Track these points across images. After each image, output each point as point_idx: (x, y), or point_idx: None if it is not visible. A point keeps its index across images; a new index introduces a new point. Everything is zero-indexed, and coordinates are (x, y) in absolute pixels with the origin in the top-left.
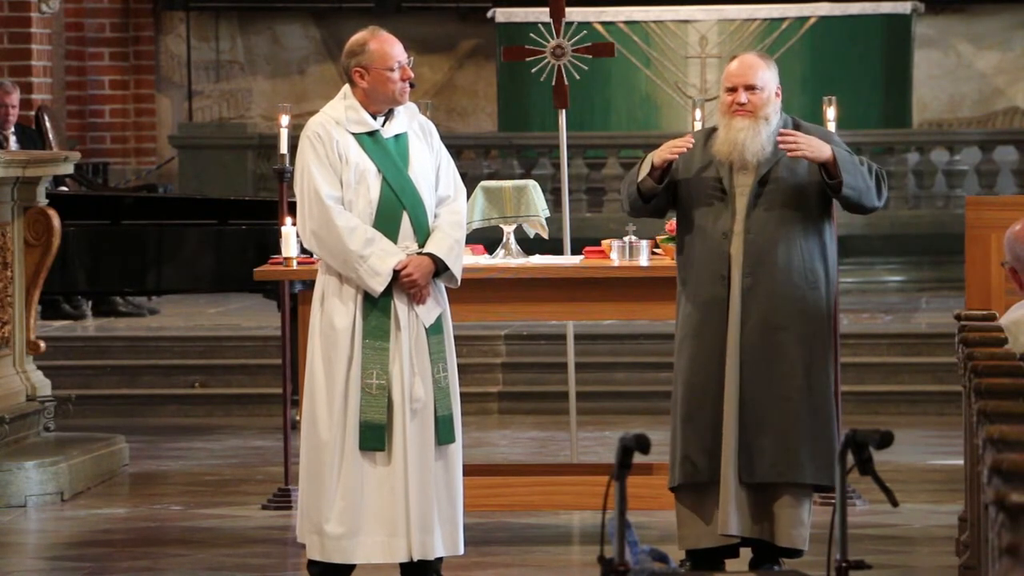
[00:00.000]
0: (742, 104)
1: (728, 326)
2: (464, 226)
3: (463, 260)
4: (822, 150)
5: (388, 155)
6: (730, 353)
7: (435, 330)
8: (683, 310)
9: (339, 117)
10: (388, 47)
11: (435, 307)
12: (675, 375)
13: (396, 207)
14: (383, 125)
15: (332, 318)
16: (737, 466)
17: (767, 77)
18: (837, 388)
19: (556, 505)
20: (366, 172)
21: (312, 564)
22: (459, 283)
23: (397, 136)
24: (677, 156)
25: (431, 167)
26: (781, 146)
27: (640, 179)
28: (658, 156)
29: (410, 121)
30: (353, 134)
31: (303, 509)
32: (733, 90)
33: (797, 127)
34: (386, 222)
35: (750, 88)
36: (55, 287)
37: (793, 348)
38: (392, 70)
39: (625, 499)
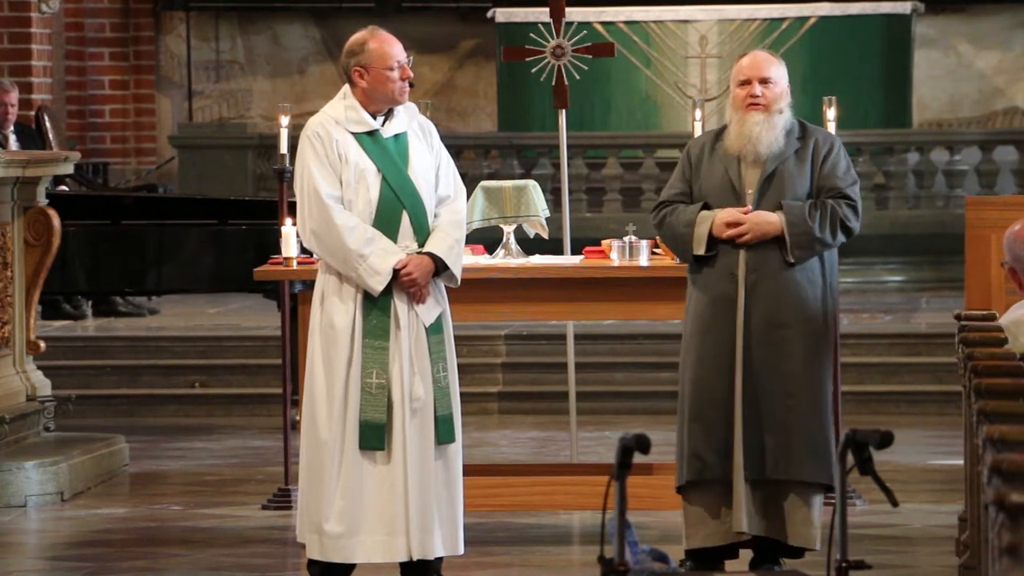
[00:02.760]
0: (756, 96)
1: (736, 323)
2: (464, 226)
3: (463, 260)
4: (768, 230)
5: (388, 154)
6: (738, 351)
7: (435, 330)
8: (692, 308)
9: (339, 116)
10: (387, 47)
11: (435, 306)
12: (681, 373)
13: (396, 206)
14: (383, 125)
15: (332, 317)
16: (744, 463)
17: (779, 73)
18: (837, 388)
19: (556, 505)
20: (366, 171)
21: (312, 564)
22: (459, 282)
23: (397, 136)
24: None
25: (431, 167)
26: (725, 235)
27: (696, 248)
28: (717, 230)
29: (410, 121)
30: (353, 133)
31: (303, 509)
32: (747, 83)
33: (804, 129)
34: (386, 221)
35: (764, 81)
36: (55, 287)
37: (795, 345)
38: (391, 69)
39: (625, 499)
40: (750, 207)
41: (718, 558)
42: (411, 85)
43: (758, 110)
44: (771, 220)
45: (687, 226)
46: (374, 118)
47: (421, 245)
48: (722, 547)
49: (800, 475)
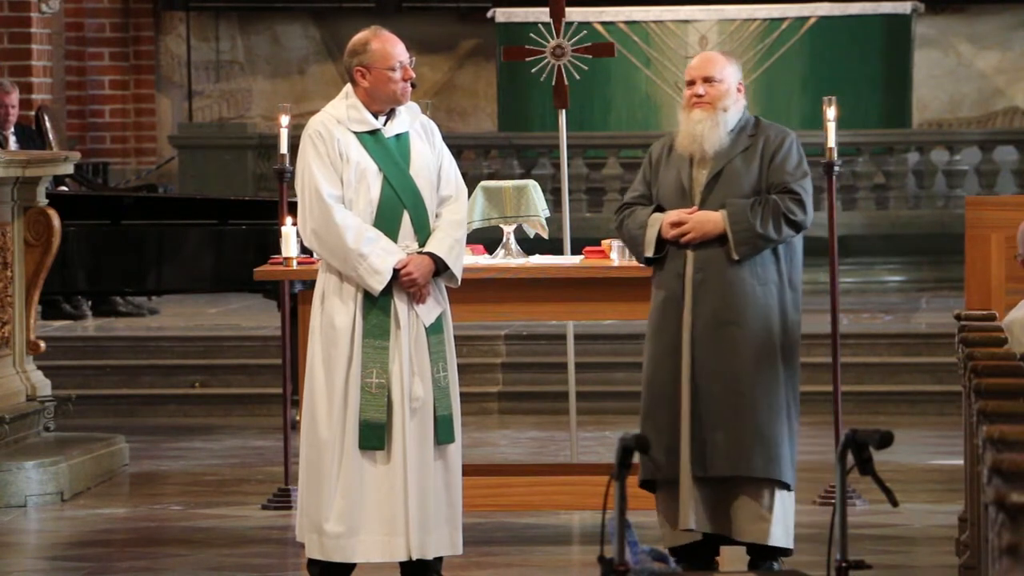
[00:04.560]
0: (700, 96)
1: (682, 323)
2: (465, 226)
3: (464, 260)
4: (709, 230)
5: (389, 154)
6: (684, 350)
7: (435, 330)
8: (651, 308)
9: (340, 116)
10: (390, 47)
11: (435, 306)
12: (642, 373)
13: (397, 206)
14: (385, 124)
15: (332, 317)
16: (691, 461)
17: (726, 71)
18: (836, 388)
19: (556, 505)
20: (367, 171)
21: (312, 563)
22: (459, 283)
23: (399, 135)
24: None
25: (432, 166)
26: (670, 236)
27: (646, 251)
28: (664, 231)
29: (412, 121)
30: (355, 133)
31: (302, 508)
32: (692, 83)
33: (757, 126)
34: (386, 221)
35: (708, 80)
36: (55, 287)
37: (743, 343)
38: (393, 70)
39: (625, 499)
40: (696, 207)
41: (708, 556)
42: (413, 86)
43: (702, 108)
44: (713, 219)
45: (640, 228)
46: (376, 118)
47: (422, 245)
48: (708, 546)
49: (749, 471)
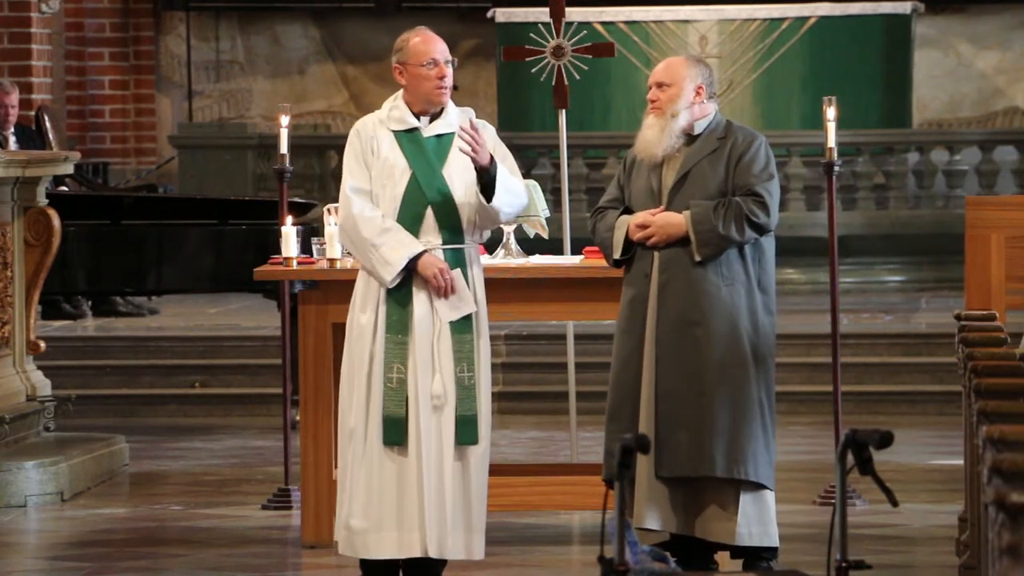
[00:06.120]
0: (652, 101)
1: (647, 323)
2: (523, 195)
3: (512, 209)
4: (672, 232)
5: (423, 152)
6: (647, 350)
7: (462, 329)
8: (620, 307)
9: (383, 116)
10: (423, 44)
11: (459, 305)
12: (610, 372)
13: (420, 201)
14: (428, 124)
15: (359, 314)
16: (654, 461)
17: (681, 74)
18: (837, 388)
19: (556, 505)
20: (395, 167)
21: (360, 562)
22: (499, 215)
23: (440, 136)
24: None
25: (473, 167)
26: (636, 238)
27: (614, 252)
28: (631, 233)
29: (461, 123)
30: (393, 131)
31: (340, 506)
32: (649, 88)
33: (728, 129)
34: (408, 215)
35: (659, 85)
36: (55, 287)
37: (708, 344)
38: (423, 66)
39: (625, 499)
40: (663, 208)
41: (701, 555)
42: (455, 87)
43: (654, 113)
44: (676, 221)
45: (608, 231)
46: (419, 118)
47: (446, 243)
48: (677, 545)
49: (711, 471)
